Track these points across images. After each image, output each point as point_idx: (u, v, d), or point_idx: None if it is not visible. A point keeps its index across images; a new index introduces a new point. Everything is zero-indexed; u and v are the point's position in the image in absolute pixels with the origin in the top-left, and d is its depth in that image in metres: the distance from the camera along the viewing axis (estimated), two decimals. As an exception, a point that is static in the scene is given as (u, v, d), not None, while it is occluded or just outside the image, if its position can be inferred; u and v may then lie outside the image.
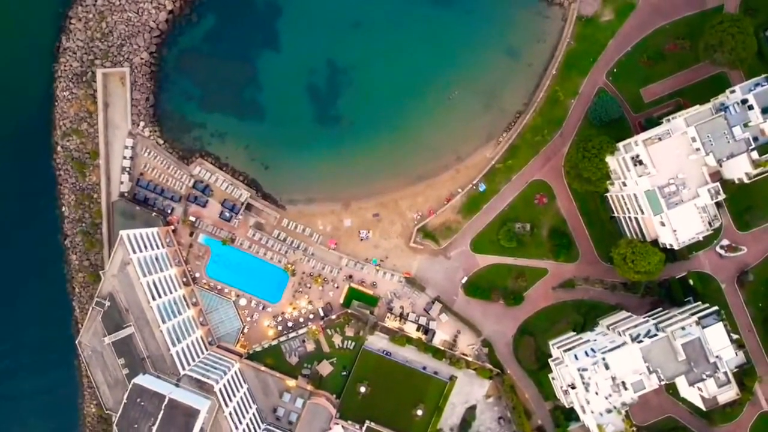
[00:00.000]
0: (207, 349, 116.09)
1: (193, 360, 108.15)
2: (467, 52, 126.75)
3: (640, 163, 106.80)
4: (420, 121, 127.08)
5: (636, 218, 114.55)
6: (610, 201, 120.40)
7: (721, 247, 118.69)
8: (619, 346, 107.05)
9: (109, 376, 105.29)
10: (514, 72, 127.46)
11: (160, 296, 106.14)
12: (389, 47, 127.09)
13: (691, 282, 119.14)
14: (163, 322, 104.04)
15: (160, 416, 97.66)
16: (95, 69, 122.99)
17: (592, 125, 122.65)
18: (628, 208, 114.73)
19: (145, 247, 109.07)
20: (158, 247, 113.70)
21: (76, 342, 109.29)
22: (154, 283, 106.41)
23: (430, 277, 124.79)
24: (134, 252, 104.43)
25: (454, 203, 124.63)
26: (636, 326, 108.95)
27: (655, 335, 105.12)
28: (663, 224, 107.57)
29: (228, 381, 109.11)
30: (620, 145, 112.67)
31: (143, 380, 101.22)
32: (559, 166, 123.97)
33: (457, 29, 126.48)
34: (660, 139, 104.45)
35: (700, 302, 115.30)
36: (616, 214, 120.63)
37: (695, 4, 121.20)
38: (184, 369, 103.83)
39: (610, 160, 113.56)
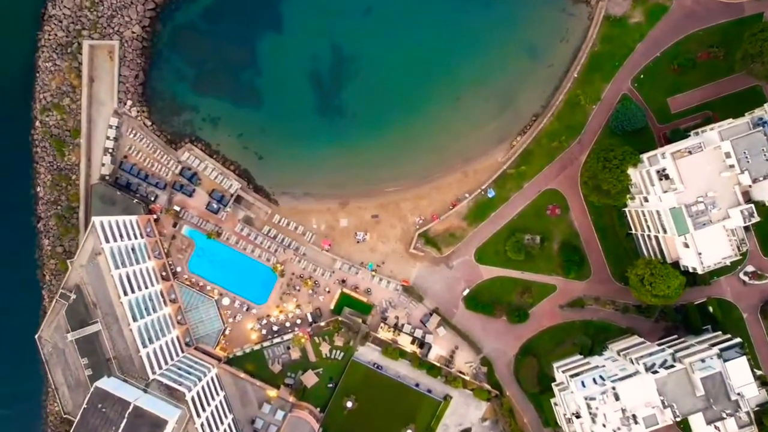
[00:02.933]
0: (183, 351, 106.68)
1: (166, 363, 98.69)
2: (484, 48, 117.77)
3: (666, 177, 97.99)
4: (428, 119, 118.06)
5: (656, 237, 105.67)
6: (629, 217, 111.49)
7: (746, 274, 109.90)
8: (631, 376, 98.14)
9: (71, 377, 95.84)
10: (533, 72, 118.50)
11: (133, 291, 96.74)
12: (400, 37, 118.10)
13: (710, 309, 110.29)
14: (135, 319, 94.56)
15: (122, 425, 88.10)
16: (82, 40, 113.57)
17: (613, 134, 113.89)
18: (648, 226, 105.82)
19: (121, 236, 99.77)
20: (136, 237, 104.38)
21: (36, 337, 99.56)
22: (128, 277, 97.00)
23: (429, 286, 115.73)
24: (107, 241, 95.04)
25: (460, 209, 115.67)
26: (651, 354, 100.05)
27: (672, 366, 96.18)
28: (687, 245, 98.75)
29: (203, 388, 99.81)
30: (644, 156, 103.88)
31: (107, 384, 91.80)
32: (576, 175, 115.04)
33: (475, 23, 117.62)
34: (690, 152, 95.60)
35: (719, 332, 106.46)
36: (633, 231, 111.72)
37: (733, 11, 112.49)
38: (154, 373, 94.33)
39: (633, 173, 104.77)
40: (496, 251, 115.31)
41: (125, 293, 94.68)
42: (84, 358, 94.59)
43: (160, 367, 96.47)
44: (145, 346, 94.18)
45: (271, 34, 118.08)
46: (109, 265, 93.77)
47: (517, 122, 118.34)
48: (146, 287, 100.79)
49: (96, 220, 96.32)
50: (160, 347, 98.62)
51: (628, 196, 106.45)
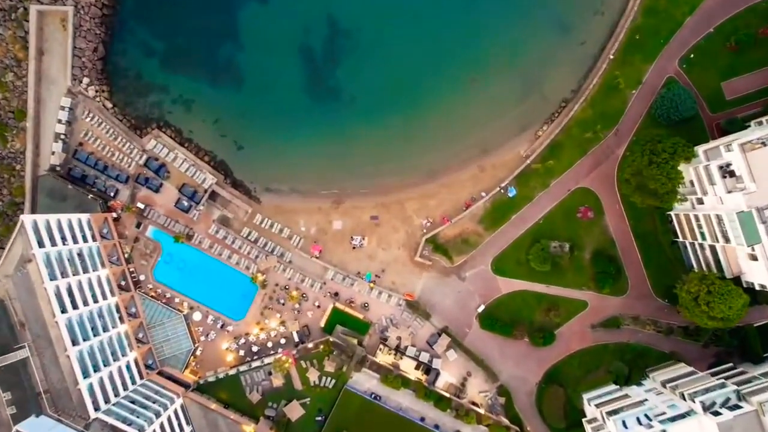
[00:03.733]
0: (142, 377, 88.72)
1: (117, 395, 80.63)
2: (505, 21, 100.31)
3: (732, 174, 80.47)
4: (439, 104, 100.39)
5: (712, 246, 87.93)
6: (675, 222, 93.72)
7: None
8: (684, 416, 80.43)
9: (-10, 415, 78.11)
10: (563, 50, 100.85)
11: (75, 307, 78.69)
12: (407, 7, 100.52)
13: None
14: (75, 343, 76.49)
15: (53, 478, 70.51)
16: (28, 4, 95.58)
17: (657, 124, 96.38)
18: (702, 233, 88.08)
19: (64, 239, 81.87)
20: (86, 240, 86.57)
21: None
22: (69, 289, 78.97)
23: (437, 302, 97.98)
24: (41, 245, 77.03)
25: (475, 210, 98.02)
26: (708, 390, 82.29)
27: (738, 407, 78.38)
28: (755, 258, 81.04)
29: (163, 424, 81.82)
30: (700, 149, 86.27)
31: (34, 425, 73.68)
32: (612, 172, 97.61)
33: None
34: (765, 143, 77.84)
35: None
36: (680, 239, 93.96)
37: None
38: (97, 410, 76.13)
39: (684, 169, 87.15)
40: (517, 261, 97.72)
41: (63, 310, 76.59)
42: (6, 392, 76.56)
43: (107, 401, 78.30)
44: (86, 376, 76.03)
45: (255, 2, 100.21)
46: (42, 275, 75.56)
47: (544, 109, 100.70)
48: (95, 301, 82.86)
49: (26, 218, 78.13)
50: (110, 375, 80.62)
51: (678, 197, 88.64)
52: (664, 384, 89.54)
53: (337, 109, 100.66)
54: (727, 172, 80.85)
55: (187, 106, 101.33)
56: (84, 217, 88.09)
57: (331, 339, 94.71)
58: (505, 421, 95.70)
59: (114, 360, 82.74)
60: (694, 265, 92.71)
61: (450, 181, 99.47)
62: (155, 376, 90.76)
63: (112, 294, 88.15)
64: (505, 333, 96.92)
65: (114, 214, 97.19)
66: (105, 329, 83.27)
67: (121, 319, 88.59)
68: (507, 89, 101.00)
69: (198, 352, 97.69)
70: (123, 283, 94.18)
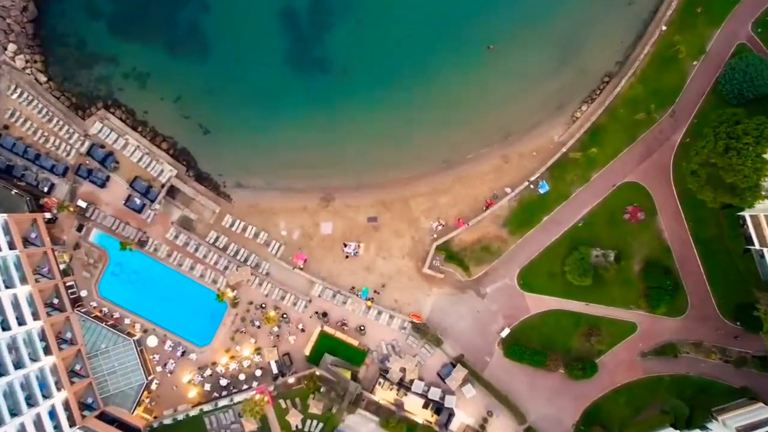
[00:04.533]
0: (75, 423, 69.32)
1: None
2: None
3: (842, 164, 60.96)
4: (452, 77, 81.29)
5: (803, 257, 68.67)
6: (751, 225, 74.23)
7: None
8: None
9: None
10: (605, 12, 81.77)
11: (-28, 339, 59.38)
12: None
13: None
14: (-34, 390, 57.28)
15: None
16: (-63, -49, 76.44)
17: (725, 102, 77.15)
18: (790, 239, 68.77)
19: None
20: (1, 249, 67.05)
21: None
22: (-36, 316, 59.71)
23: (451, 324, 78.86)
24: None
25: (498, 210, 78.93)
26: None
27: None
28: None
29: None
30: (790, 132, 66.96)
31: None
32: (668, 162, 78.89)
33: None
34: None
35: None
36: (756, 246, 74.53)
37: None
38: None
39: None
40: (549, 273, 78.67)
41: (-50, 345, 57.32)
42: None
43: (15, 466, 59.10)
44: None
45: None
46: None
47: (583, 85, 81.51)
48: (4, 329, 63.32)
49: None
50: (20, 430, 61.14)
51: (763, 193, 69.39)
52: None
53: (326, 84, 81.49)
54: (835, 160, 61.58)
55: (141, 80, 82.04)
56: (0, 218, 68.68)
57: (317, 372, 75.41)
58: (536, 474, 76.62)
59: (30, 406, 63.26)
60: (775, 279, 73.59)
61: (467, 174, 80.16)
62: (93, 421, 71.33)
63: (36, 317, 68.61)
64: (534, 363, 77.80)
65: (47, 215, 77.91)
66: (19, 366, 63.78)
67: (47, 349, 69.09)
68: (536, 60, 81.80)
69: (153, 387, 78.44)
70: (56, 301, 74.73)
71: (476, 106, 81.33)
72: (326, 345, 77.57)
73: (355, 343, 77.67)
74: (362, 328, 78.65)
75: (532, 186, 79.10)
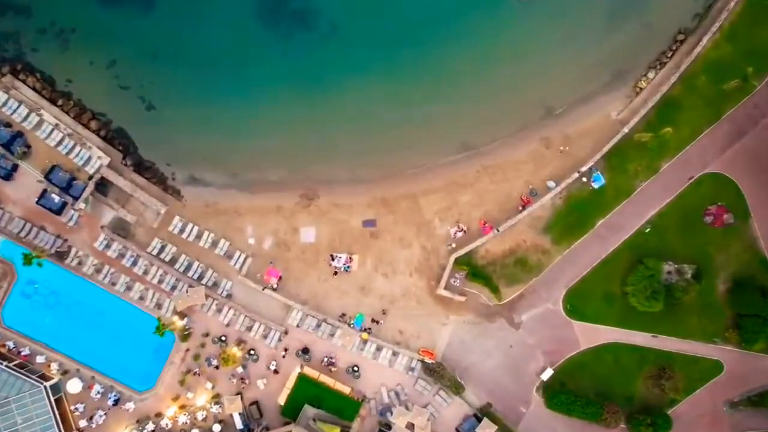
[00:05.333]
0: None
1: None
2: None
3: None
4: (474, 37, 61.26)
5: None
6: None
7: None
8: None
9: None
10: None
11: None
12: None
13: None
14: None
15: None
16: None
17: (842, 68, 57.37)
18: None
19: None
20: None
21: None
22: None
23: (474, 363, 59.25)
24: None
25: (538, 210, 59.20)
26: None
27: None
28: None
29: None
30: None
31: None
32: (764, 147, 58.81)
33: None
34: None
35: None
36: None
37: None
38: None
39: None
40: (605, 295, 59.32)
41: None
42: None
43: None
44: None
45: None
46: None
47: (649, 45, 61.86)
48: None
49: None
50: None
51: None
52: None
53: (309, 44, 61.45)
54: None
55: (63, 38, 61.69)
56: None
57: (294, 429, 55.44)
58: None
59: None
60: None
61: (496, 164, 60.47)
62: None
63: None
64: (586, 415, 58.33)
65: (-69, 217, 57.82)
66: None
67: None
68: (586, 13, 61.88)
69: (75, 447, 58.59)
70: (-62, 334, 54.65)
71: (508, 74, 61.60)
72: (307, 392, 57.60)
73: (345, 390, 57.76)
74: (356, 368, 58.76)
75: (583, 179, 59.44)
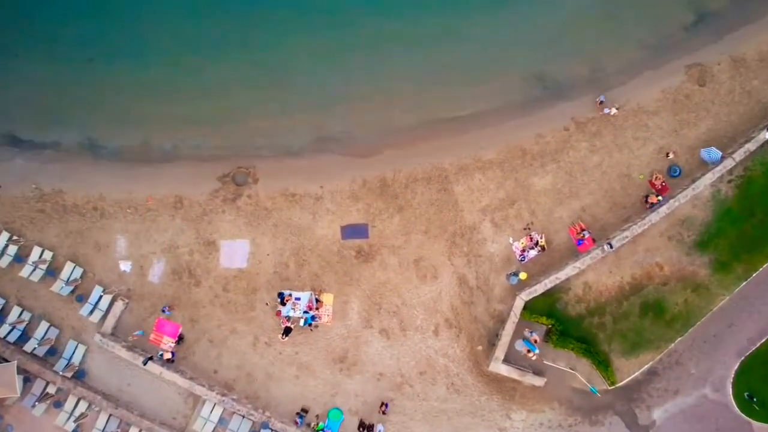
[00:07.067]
0: None
1: None
2: None
3: None
4: None
5: None
6: None
7: None
8: None
9: None
10: None
11: None
12: None
13: None
14: None
15: None
16: None
17: None
18: None
19: None
20: None
21: None
22: None
23: None
24: None
25: (683, 206, 29.62)
26: None
27: None
28: None
29: None
30: None
31: None
32: None
33: None
34: None
35: None
36: None
37: None
38: None
39: None
40: (819, 372, 29.95)
41: None
42: None
43: None
44: None
45: None
46: None
47: None
48: None
49: None
50: None
51: None
52: None
53: None
54: None
55: None
56: None
57: None
58: None
59: None
60: None
61: (601, 113, 31.08)
62: None
63: None
64: None
65: None
66: None
67: None
68: None
69: None
70: None
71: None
72: None
73: None
74: None
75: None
